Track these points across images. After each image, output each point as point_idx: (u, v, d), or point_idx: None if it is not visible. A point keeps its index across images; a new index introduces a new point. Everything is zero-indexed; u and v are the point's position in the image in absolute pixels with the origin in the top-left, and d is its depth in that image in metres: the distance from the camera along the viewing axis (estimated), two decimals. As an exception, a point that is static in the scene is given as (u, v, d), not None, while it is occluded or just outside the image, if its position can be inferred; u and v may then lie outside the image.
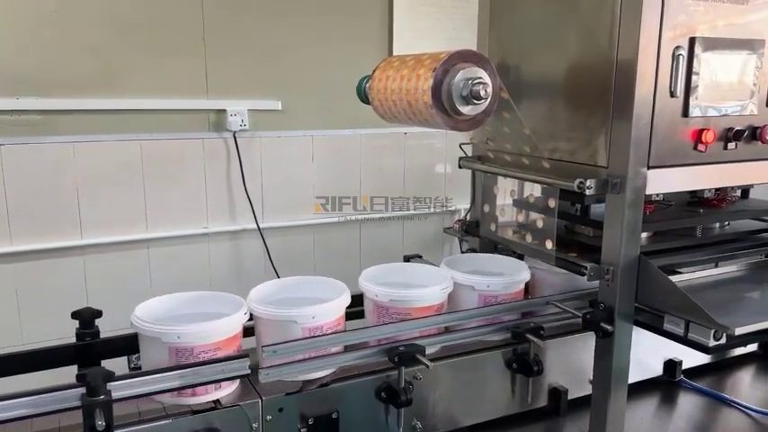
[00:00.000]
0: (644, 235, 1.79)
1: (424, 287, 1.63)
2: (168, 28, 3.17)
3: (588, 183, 1.48)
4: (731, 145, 1.58)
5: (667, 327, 1.47)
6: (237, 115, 3.35)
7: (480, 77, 1.38)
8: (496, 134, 1.83)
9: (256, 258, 3.56)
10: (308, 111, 3.60)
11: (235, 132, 3.37)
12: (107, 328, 1.62)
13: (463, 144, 1.95)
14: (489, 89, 1.39)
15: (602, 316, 1.54)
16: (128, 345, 1.57)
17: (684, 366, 1.95)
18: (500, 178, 1.85)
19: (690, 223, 1.78)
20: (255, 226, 3.51)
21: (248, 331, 1.55)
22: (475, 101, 1.38)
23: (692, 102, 1.50)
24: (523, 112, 1.75)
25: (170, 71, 3.20)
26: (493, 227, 1.88)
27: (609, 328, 1.52)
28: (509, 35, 1.85)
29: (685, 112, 1.50)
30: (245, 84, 3.39)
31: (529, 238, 1.73)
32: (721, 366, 2.07)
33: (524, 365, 1.64)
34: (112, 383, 1.22)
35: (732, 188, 1.92)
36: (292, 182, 3.62)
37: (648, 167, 1.49)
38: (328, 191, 3.74)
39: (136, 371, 1.49)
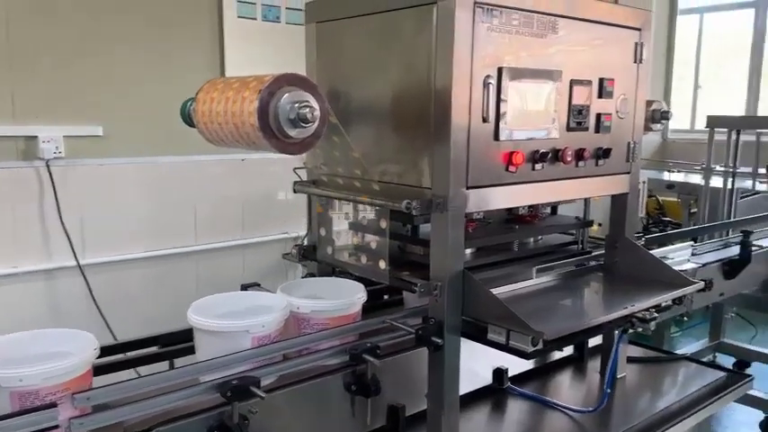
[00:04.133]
0: (468, 251, 1.91)
1: (338, 298, 1.70)
2: (-36, 45, 2.84)
3: (414, 203, 1.54)
4: (538, 166, 1.74)
5: (491, 336, 1.56)
6: (51, 142, 3.06)
7: (307, 101, 1.38)
8: (329, 158, 1.85)
9: (77, 298, 3.25)
10: (135, 136, 3.40)
11: (48, 161, 3.08)
12: None
13: (297, 168, 1.94)
14: (317, 112, 1.40)
15: (432, 330, 1.59)
16: None
17: (511, 373, 2.08)
18: (335, 202, 1.87)
19: (506, 239, 1.92)
20: (75, 263, 3.21)
21: (99, 370, 1.50)
22: (303, 124, 1.38)
23: (501, 126, 1.63)
24: (354, 136, 1.79)
25: (-33, 93, 2.86)
26: (329, 250, 1.88)
27: (439, 341, 1.58)
28: (336, 63, 1.89)
29: (496, 136, 1.63)
30: (60, 107, 3.12)
31: (364, 260, 1.76)
32: (544, 371, 2.23)
33: (363, 387, 1.64)
34: None
35: (542, 205, 2.11)
36: (118, 214, 3.38)
37: (467, 188, 1.59)
38: (160, 222, 3.54)
39: None
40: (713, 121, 3.95)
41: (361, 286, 1.77)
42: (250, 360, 1.47)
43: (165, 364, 1.73)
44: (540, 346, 1.44)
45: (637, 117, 2.01)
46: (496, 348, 1.56)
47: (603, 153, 1.89)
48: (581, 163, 1.85)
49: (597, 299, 1.96)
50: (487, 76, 1.57)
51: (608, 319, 1.62)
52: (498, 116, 1.61)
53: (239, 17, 3.72)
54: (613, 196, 2.06)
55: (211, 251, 3.74)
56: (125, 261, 3.43)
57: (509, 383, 2.04)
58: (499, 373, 2.03)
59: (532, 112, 1.71)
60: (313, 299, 1.70)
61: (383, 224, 1.67)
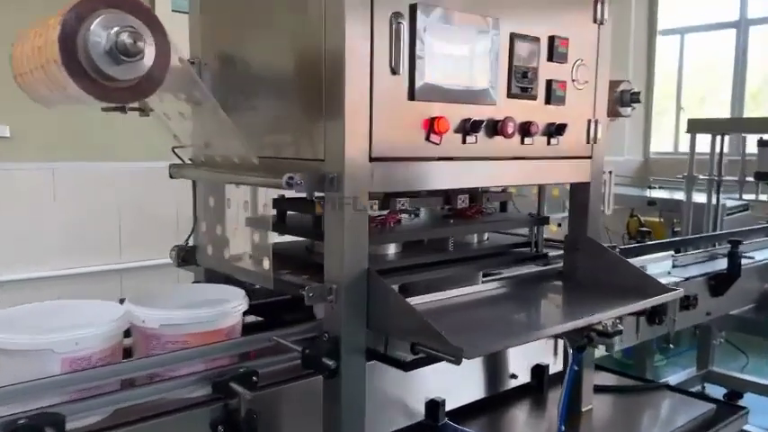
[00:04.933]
0: (392, 251, 1.52)
1: (210, 307, 1.29)
2: None
3: (297, 178, 1.16)
4: (470, 139, 1.37)
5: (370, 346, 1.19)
6: (-59, 141, 2.67)
7: (130, 26, 1.01)
8: (213, 134, 1.47)
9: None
10: (49, 138, 3.02)
11: (-61, 163, 2.69)
12: None
13: (176, 148, 1.55)
14: (145, 44, 1.02)
15: (324, 349, 1.20)
16: None
17: (451, 406, 1.67)
18: (221, 188, 1.48)
19: (434, 234, 1.53)
20: (-30, 281, 2.80)
21: None
22: (125, 58, 1.00)
23: (418, 82, 1.26)
24: (243, 106, 1.43)
25: None
26: (210, 250, 1.49)
27: (330, 363, 1.18)
28: (221, 17, 1.53)
29: (412, 94, 1.26)
30: (-46, 102, 2.74)
31: (247, 260, 1.37)
32: (493, 403, 1.82)
33: (233, 427, 1.23)
34: None
35: (488, 198, 1.73)
36: (28, 226, 2.98)
37: (372, 159, 1.21)
38: (78, 236, 3.13)
39: None
40: (695, 125, 3.62)
41: (240, 293, 1.37)
42: (60, 390, 1.06)
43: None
44: (422, 354, 1.06)
45: (599, 89, 1.65)
46: (375, 359, 1.18)
47: (556, 129, 1.53)
48: (528, 140, 1.48)
49: (548, 309, 1.57)
50: (396, 14, 1.21)
51: (556, 332, 1.23)
52: (413, 68, 1.25)
53: (173, 11, 3.37)
54: (573, 186, 1.69)
55: (138, 270, 3.32)
56: (35, 280, 3.02)
57: (446, 419, 1.62)
58: (433, 407, 1.61)
59: (460, 68, 1.34)
60: (174, 309, 1.29)
61: (264, 210, 1.28)
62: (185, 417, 1.22)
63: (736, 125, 4.03)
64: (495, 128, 1.40)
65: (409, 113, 1.27)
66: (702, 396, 2.03)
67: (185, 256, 1.58)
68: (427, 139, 1.30)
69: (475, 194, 1.69)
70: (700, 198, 4.02)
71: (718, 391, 3.81)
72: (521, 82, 1.45)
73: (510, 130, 1.41)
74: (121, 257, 3.28)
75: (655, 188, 5.25)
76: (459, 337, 1.13)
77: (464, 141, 1.36)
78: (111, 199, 3.24)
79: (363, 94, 1.19)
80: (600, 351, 1.94)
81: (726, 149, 3.75)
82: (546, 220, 1.73)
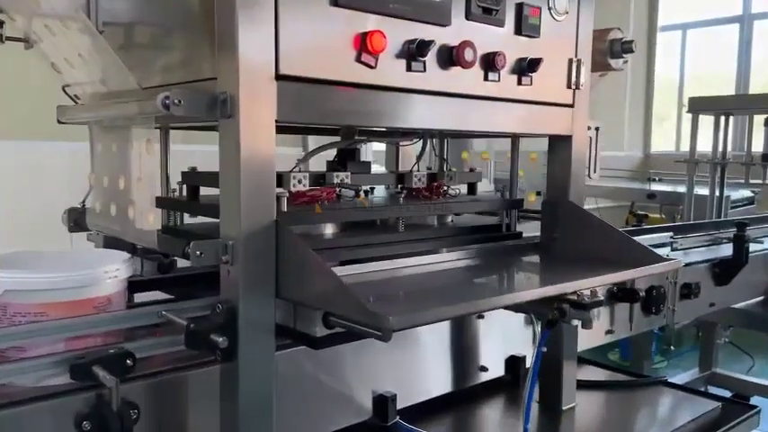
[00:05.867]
0: (329, 230, 1.25)
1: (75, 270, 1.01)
2: None
3: (175, 97, 0.89)
4: (417, 65, 1.09)
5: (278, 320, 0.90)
6: None
7: None
8: (98, 67, 1.20)
9: None
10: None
11: None
12: None
13: (67, 87, 1.28)
14: None
15: (214, 323, 0.92)
16: None
17: (407, 402, 1.39)
18: (110, 134, 1.21)
19: (375, 214, 1.25)
20: None
21: None
22: None
23: (343, -18, 0.99)
24: (144, 33, 1.16)
25: None
26: (98, 207, 1.21)
27: (220, 341, 0.90)
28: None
29: (335, -2, 0.99)
30: None
31: (132, 215, 1.09)
32: (459, 399, 1.54)
33: (102, 423, 0.95)
34: None
35: (451, 177, 1.45)
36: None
37: (278, 77, 0.94)
38: (20, 222, 2.85)
39: None
40: (697, 104, 3.35)
41: (120, 256, 1.09)
42: None
43: None
44: (337, 329, 0.79)
45: (582, 24, 1.38)
46: (286, 337, 0.91)
47: (529, 65, 1.25)
48: (492, 75, 1.20)
49: (515, 278, 1.29)
50: None
51: (519, 300, 0.96)
52: (336, -41, 0.98)
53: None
54: (551, 141, 1.42)
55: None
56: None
57: (398, 418, 1.34)
58: (382, 402, 1.33)
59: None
60: (24, 273, 1.00)
61: (148, 149, 1.01)
62: (40, 408, 0.95)
63: (741, 102, 3.74)
64: (449, 56, 1.13)
65: (333, 24, 0.99)
66: (705, 394, 1.75)
67: (78, 219, 1.31)
68: (358, 59, 1.02)
69: (435, 173, 1.42)
70: (703, 191, 3.76)
71: (722, 395, 3.54)
72: (483, 1, 1.17)
73: (468, 57, 1.13)
74: (72, 246, 3.00)
75: (655, 180, 4.98)
76: (390, 307, 0.86)
77: (409, 68, 1.08)
78: (62, 182, 2.95)
79: (267, -7, 0.92)
80: (587, 342, 1.68)
81: (729, 147, 3.48)
82: (519, 204, 1.44)
